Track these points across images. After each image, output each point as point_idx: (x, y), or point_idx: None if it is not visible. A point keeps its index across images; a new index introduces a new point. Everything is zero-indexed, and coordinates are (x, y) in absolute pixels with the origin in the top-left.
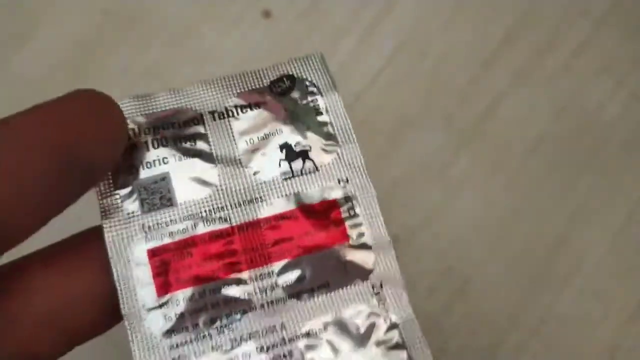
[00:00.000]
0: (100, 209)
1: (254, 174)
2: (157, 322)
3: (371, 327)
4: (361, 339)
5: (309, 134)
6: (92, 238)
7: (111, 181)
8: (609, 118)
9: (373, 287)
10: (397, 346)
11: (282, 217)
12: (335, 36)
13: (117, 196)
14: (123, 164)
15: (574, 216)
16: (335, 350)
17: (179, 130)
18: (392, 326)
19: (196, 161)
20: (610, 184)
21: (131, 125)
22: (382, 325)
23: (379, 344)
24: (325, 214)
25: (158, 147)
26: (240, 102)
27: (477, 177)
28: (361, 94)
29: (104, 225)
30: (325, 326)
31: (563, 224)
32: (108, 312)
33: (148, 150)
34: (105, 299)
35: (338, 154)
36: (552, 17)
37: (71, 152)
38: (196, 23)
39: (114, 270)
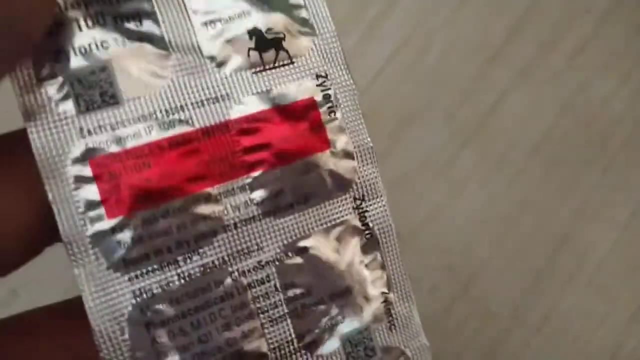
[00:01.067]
0: (21, 109)
1: (218, 65)
2: (109, 251)
3: (349, 245)
4: (346, 257)
5: (282, 18)
6: (15, 145)
7: (32, 71)
8: (613, 114)
9: (355, 200)
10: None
11: (254, 118)
12: (338, 32)
13: (43, 91)
14: (47, 48)
15: (578, 213)
16: (316, 272)
17: (118, 4)
18: (372, 246)
19: (145, 46)
20: (615, 180)
21: None
22: (363, 242)
23: (355, 263)
24: (303, 116)
25: (93, 26)
26: None
27: (480, 174)
28: (364, 91)
29: (29, 130)
30: (305, 247)
31: (567, 220)
32: (34, 239)
33: (80, 30)
34: (31, 224)
35: (315, 44)
36: (555, 13)
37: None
38: None
39: (48, 189)
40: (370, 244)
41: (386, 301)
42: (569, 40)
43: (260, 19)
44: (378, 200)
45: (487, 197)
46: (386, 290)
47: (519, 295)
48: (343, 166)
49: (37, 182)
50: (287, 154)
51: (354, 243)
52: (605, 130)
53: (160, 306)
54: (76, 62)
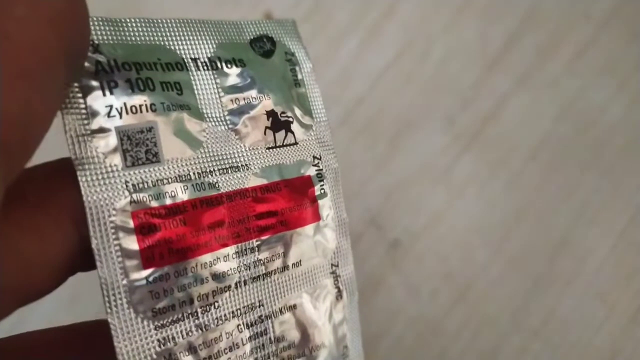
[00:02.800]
0: (72, 156)
1: (240, 138)
2: (142, 300)
3: (325, 303)
4: (322, 315)
5: (292, 105)
6: (58, 178)
7: (86, 122)
8: (612, 120)
9: (332, 266)
10: (341, 322)
11: (267, 188)
12: (338, 38)
13: (94, 143)
14: (100, 103)
15: (577, 218)
16: (301, 327)
17: (164, 73)
18: (342, 306)
19: (184, 114)
20: (613, 185)
21: (104, 56)
22: (334, 303)
23: (331, 320)
24: (303, 190)
25: (144, 89)
26: (224, 55)
27: (479, 179)
28: (364, 96)
29: (81, 179)
30: (295, 305)
31: (565, 225)
32: (66, 271)
33: (133, 91)
34: (65, 258)
35: (313, 130)
36: (554, 19)
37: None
38: None
39: (92, 237)
40: (339, 302)
41: (345, 347)
42: (567, 46)
43: (277, 103)
44: (348, 267)
45: (486, 202)
46: (346, 344)
47: (518, 300)
48: (327, 236)
49: (78, 214)
50: (289, 222)
51: (328, 302)
52: (603, 136)
53: (181, 354)
54: (128, 119)
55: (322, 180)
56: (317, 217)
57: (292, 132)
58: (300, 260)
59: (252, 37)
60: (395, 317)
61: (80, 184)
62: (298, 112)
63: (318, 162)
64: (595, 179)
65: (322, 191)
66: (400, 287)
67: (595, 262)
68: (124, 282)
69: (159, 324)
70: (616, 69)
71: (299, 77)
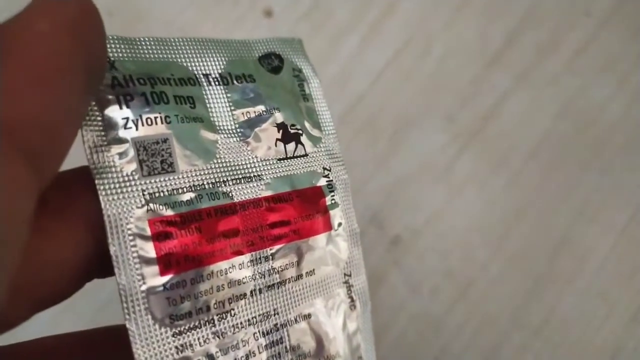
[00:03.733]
0: (90, 165)
1: (252, 150)
2: (159, 306)
3: (339, 313)
4: (336, 324)
5: (301, 119)
6: (77, 185)
7: (103, 133)
8: (612, 118)
9: (344, 276)
10: (355, 332)
11: (279, 198)
12: (338, 36)
13: (112, 152)
14: (118, 115)
15: (577, 216)
16: (316, 336)
17: (177, 88)
18: (355, 316)
19: (197, 126)
20: (613, 183)
21: (120, 71)
22: (347, 313)
23: (345, 329)
24: (314, 200)
25: (159, 102)
26: (234, 70)
27: (479, 177)
28: (364, 94)
29: (99, 188)
30: (309, 314)
31: (566, 224)
32: (83, 276)
33: (148, 104)
34: (82, 263)
35: (322, 143)
36: (554, 17)
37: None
38: (199, 23)
39: (110, 243)
40: (353, 312)
41: (360, 357)
42: (567, 44)
43: (286, 116)
44: (361, 277)
45: (486, 200)
46: (361, 354)
47: (518, 298)
48: (339, 246)
49: (95, 221)
50: (302, 232)
51: (342, 311)
52: (603, 134)
53: None
54: (143, 131)
55: (333, 191)
56: (329, 226)
57: (302, 144)
58: (313, 269)
59: (260, 55)
60: (397, 315)
61: (99, 192)
62: (307, 125)
63: (328, 174)
64: (596, 177)
65: (333, 201)
66: (401, 284)
67: (595, 261)
68: (142, 288)
69: (177, 331)
70: (616, 67)
71: (307, 91)
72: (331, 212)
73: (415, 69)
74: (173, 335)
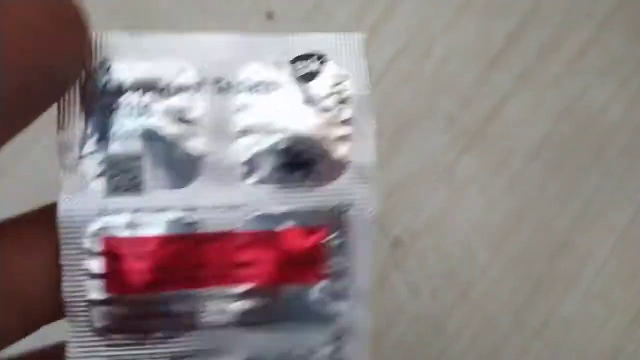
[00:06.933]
0: (60, 171)
1: (244, 174)
2: (98, 318)
3: None
4: None
5: (317, 142)
6: (47, 216)
7: (80, 139)
8: (613, 119)
9: (333, 337)
10: None
11: (256, 237)
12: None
13: (82, 167)
14: (95, 127)
15: (578, 218)
16: None
17: (168, 99)
18: None
19: (179, 146)
20: (614, 185)
21: (114, 78)
22: None
23: None
24: (307, 241)
25: (141, 115)
26: (254, 77)
27: (480, 179)
28: None
29: (61, 199)
30: None
31: (566, 226)
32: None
33: (130, 115)
34: (56, 279)
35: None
36: (555, 18)
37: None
38: (200, 24)
39: (61, 254)
40: None
41: None
42: (569, 45)
43: (295, 141)
44: (357, 344)
45: (487, 202)
46: None
47: (519, 300)
48: (333, 305)
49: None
50: (280, 277)
51: None
52: (604, 136)
53: None
54: (117, 147)
55: (340, 235)
56: (317, 278)
57: (316, 172)
58: (278, 322)
59: (297, 54)
60: (397, 316)
61: (59, 204)
62: (328, 147)
63: (342, 212)
64: (597, 179)
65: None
66: (402, 285)
67: (596, 262)
68: (85, 298)
69: (111, 343)
70: (618, 69)
71: (345, 116)
72: (327, 263)
73: (415, 70)
74: (107, 346)
